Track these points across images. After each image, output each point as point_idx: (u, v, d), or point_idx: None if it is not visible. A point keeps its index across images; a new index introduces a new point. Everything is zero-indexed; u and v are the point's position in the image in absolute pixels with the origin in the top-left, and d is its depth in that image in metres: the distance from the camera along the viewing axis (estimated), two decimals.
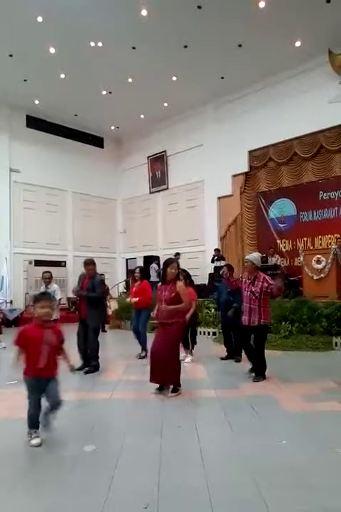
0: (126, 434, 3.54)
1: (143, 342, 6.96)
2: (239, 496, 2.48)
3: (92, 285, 5.88)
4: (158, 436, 3.45)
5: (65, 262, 14.42)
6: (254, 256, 5.42)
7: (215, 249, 12.50)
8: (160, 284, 4.85)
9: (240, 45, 10.38)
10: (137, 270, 7.28)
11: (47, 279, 7.00)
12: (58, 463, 3.00)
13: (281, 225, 12.21)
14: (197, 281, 11.94)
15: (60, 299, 7.09)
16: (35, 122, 14.22)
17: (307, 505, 2.36)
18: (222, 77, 11.95)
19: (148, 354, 6.31)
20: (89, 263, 6.02)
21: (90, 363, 5.90)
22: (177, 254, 12.23)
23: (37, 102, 13.17)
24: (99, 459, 3.04)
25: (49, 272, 7.23)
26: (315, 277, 8.92)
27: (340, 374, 5.48)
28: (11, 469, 2.93)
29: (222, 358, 6.56)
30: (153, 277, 11.97)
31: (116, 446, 3.27)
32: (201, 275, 12.37)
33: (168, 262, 4.71)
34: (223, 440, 3.45)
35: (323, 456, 3.01)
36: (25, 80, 11.91)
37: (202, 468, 2.84)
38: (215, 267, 11.90)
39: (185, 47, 10.42)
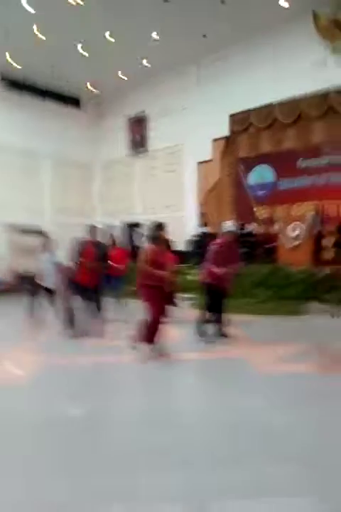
0: (110, 397, 3.63)
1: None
2: (214, 453, 2.61)
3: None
4: (139, 399, 3.55)
5: (40, 227, 14.08)
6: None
7: (202, 214, 12.53)
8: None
9: (223, 2, 9.95)
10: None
11: (46, 246, 6.77)
12: (47, 426, 3.08)
13: (259, 192, 12.23)
14: (175, 247, 11.97)
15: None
16: (9, 83, 13.44)
17: (281, 461, 2.51)
18: (204, 36, 11.49)
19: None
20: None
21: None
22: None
23: (9, 59, 12.34)
24: (87, 422, 3.15)
25: (46, 237, 6.98)
26: (290, 245, 9.09)
27: (314, 337, 5.72)
28: None
29: None
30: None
31: (102, 408, 3.37)
32: (179, 241, 12.36)
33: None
34: (201, 401, 3.59)
35: (296, 416, 3.17)
36: None
37: (180, 428, 2.96)
38: (203, 233, 11.83)
39: (166, 1, 9.91)
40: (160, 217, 12.38)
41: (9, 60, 12.18)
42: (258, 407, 3.34)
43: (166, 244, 6.61)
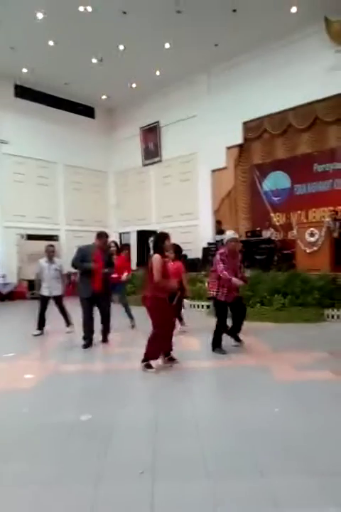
0: (121, 403, 3.59)
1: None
2: (232, 462, 2.54)
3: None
4: (153, 406, 3.50)
5: (57, 236, 14.29)
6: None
7: (217, 222, 12.57)
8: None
9: (235, 11, 10.00)
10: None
11: (51, 253, 6.89)
12: (55, 432, 3.04)
13: (275, 198, 12.14)
14: (190, 255, 11.97)
15: (66, 274, 7.04)
16: (23, 92, 13.77)
17: (302, 470, 2.43)
18: (216, 45, 11.57)
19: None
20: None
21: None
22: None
23: (25, 70, 12.68)
24: (95, 428, 3.09)
25: (52, 245, 7.14)
26: (308, 250, 8.95)
27: (333, 344, 5.59)
28: (6, 440, 2.97)
29: None
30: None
31: (112, 415, 3.31)
32: (194, 249, 12.37)
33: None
34: (217, 409, 3.52)
35: (316, 423, 3.08)
36: (12, 48, 11.43)
37: (197, 436, 2.90)
38: (217, 241, 11.80)
39: (178, 12, 10.02)
40: (175, 226, 12.60)
41: (24, 69, 12.49)
42: (276, 414, 3.24)
43: (178, 252, 6.60)
